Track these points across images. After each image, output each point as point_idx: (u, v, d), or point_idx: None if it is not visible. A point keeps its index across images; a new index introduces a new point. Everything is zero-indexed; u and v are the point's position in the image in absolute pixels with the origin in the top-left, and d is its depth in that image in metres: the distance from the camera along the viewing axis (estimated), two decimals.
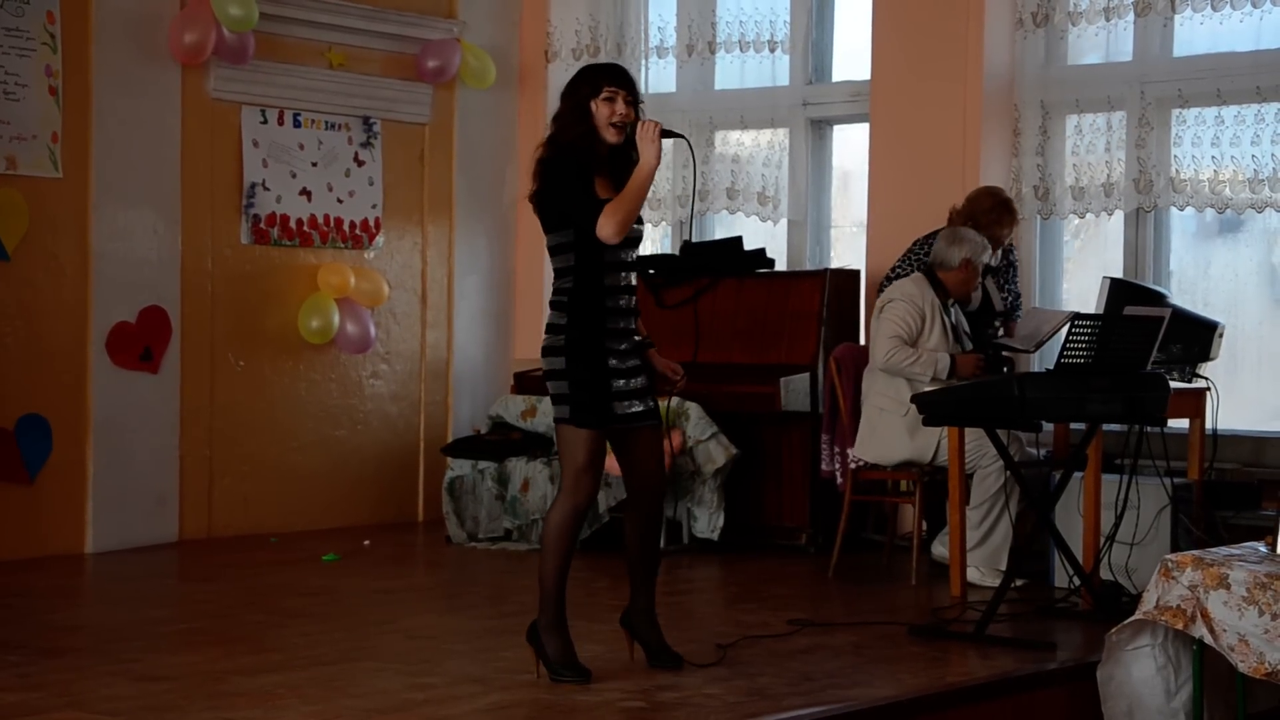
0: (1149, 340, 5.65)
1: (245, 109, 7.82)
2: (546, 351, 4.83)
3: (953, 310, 6.64)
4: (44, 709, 4.43)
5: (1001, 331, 6.90)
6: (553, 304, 4.85)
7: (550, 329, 4.82)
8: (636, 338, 4.87)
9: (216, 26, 7.45)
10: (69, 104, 7.18)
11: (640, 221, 4.87)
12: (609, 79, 4.79)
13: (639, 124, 4.76)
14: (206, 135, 7.67)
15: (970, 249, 6.53)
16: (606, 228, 4.68)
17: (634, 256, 4.86)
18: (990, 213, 6.84)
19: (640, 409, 4.84)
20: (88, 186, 7.25)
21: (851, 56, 8.15)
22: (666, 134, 4.79)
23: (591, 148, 4.77)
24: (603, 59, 8.47)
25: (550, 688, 4.74)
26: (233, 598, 6.24)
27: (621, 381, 4.80)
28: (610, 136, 4.77)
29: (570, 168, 4.75)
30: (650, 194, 5.43)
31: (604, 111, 4.77)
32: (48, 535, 7.13)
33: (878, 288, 6.94)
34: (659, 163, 4.76)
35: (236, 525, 7.78)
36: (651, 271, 7.97)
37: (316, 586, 6.50)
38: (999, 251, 6.98)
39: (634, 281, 4.86)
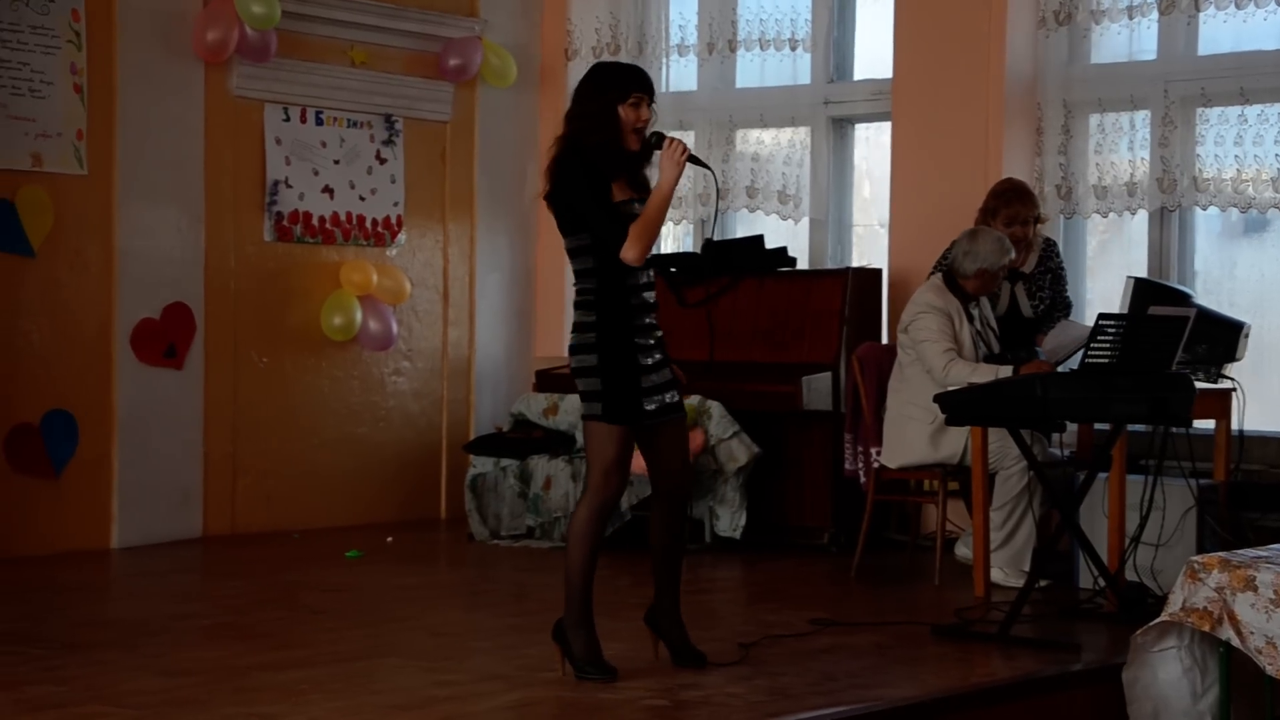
0: (1174, 340, 5.60)
1: (268, 107, 7.82)
2: (575, 349, 4.82)
3: (976, 311, 6.60)
4: (69, 703, 4.44)
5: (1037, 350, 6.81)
6: (577, 304, 4.84)
7: (578, 328, 4.82)
8: (659, 332, 4.86)
9: (239, 24, 7.45)
10: (94, 101, 7.19)
11: None
12: (637, 85, 4.78)
13: (666, 141, 4.76)
14: (229, 133, 7.68)
15: (986, 259, 6.45)
16: (630, 252, 4.70)
17: (652, 254, 4.85)
18: (998, 197, 6.82)
19: (667, 403, 4.84)
20: (112, 184, 7.26)
21: (873, 55, 8.12)
22: (693, 160, 4.79)
23: (616, 151, 4.77)
24: (623, 57, 8.45)
25: (573, 685, 4.72)
26: (256, 593, 6.25)
27: (652, 377, 4.80)
28: (632, 143, 4.78)
29: (580, 171, 4.74)
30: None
31: (630, 116, 4.76)
32: (73, 531, 7.14)
33: (929, 275, 6.87)
34: (677, 184, 4.77)
35: (260, 521, 7.79)
36: (673, 270, 7.93)
37: (339, 583, 6.51)
38: (1033, 256, 6.91)
39: (653, 276, 4.87)
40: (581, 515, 4.80)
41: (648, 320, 4.82)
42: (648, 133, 4.80)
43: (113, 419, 7.25)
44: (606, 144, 4.74)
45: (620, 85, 4.77)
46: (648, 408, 4.79)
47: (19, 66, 6.98)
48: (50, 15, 7.06)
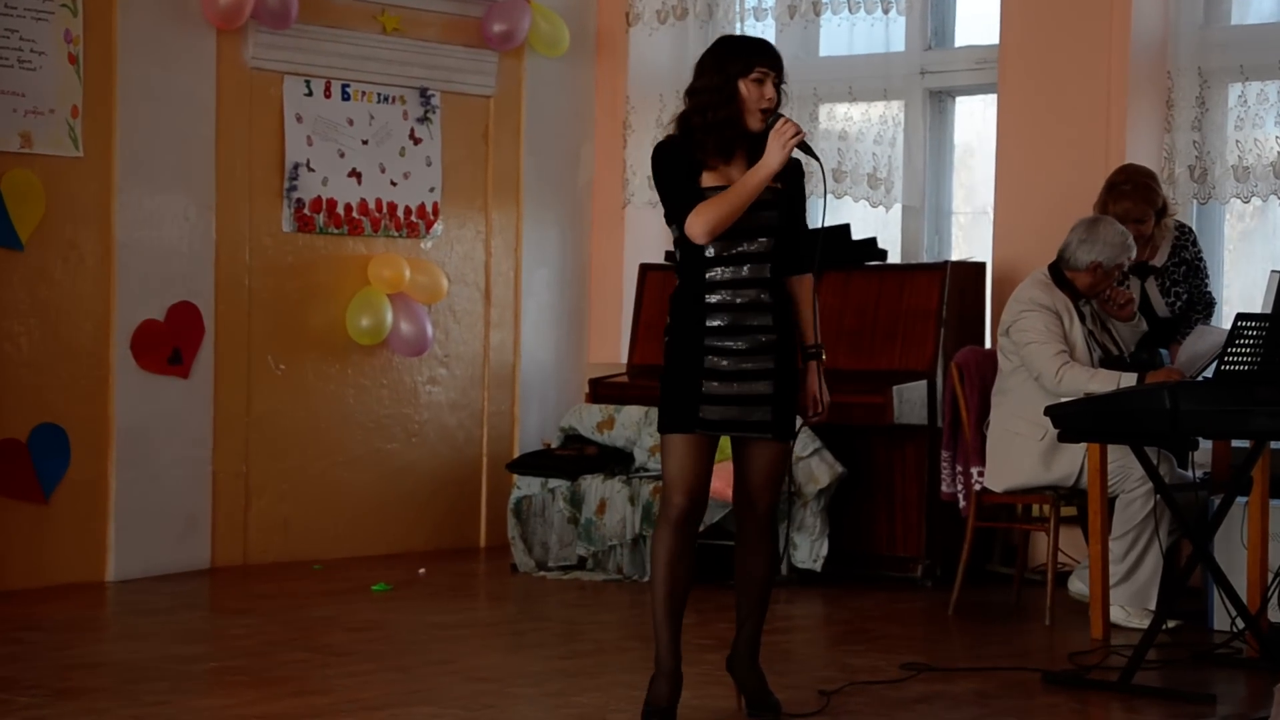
0: None
1: (288, 79, 7.89)
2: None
3: (1087, 308, 6.55)
4: None
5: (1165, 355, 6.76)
6: None
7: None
8: (763, 337, 4.82)
9: None
10: (90, 74, 7.27)
11: (769, 207, 4.81)
12: (762, 58, 4.82)
13: (780, 120, 4.77)
14: (244, 109, 7.75)
15: (1103, 251, 6.41)
16: (695, 224, 4.73)
17: (755, 246, 4.80)
18: (1109, 190, 6.80)
19: (750, 418, 4.81)
20: (111, 167, 7.33)
21: (977, 18, 8.12)
22: (804, 148, 4.82)
23: (736, 130, 4.79)
24: (691, 22, 8.51)
25: None
26: (271, 633, 6.29)
27: (721, 384, 4.78)
28: (755, 123, 4.80)
29: (670, 149, 4.80)
30: None
31: (754, 93, 4.79)
32: (64, 561, 7.21)
33: None
34: (780, 169, 4.75)
35: (275, 551, 7.85)
36: None
37: (365, 621, 6.56)
38: (1165, 246, 6.85)
39: (764, 274, 4.81)
40: (652, 542, 4.88)
41: (731, 321, 4.80)
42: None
43: (109, 434, 7.32)
44: (724, 122, 4.77)
45: (743, 58, 4.82)
46: (709, 417, 4.78)
47: (6, 34, 7.05)
48: None
